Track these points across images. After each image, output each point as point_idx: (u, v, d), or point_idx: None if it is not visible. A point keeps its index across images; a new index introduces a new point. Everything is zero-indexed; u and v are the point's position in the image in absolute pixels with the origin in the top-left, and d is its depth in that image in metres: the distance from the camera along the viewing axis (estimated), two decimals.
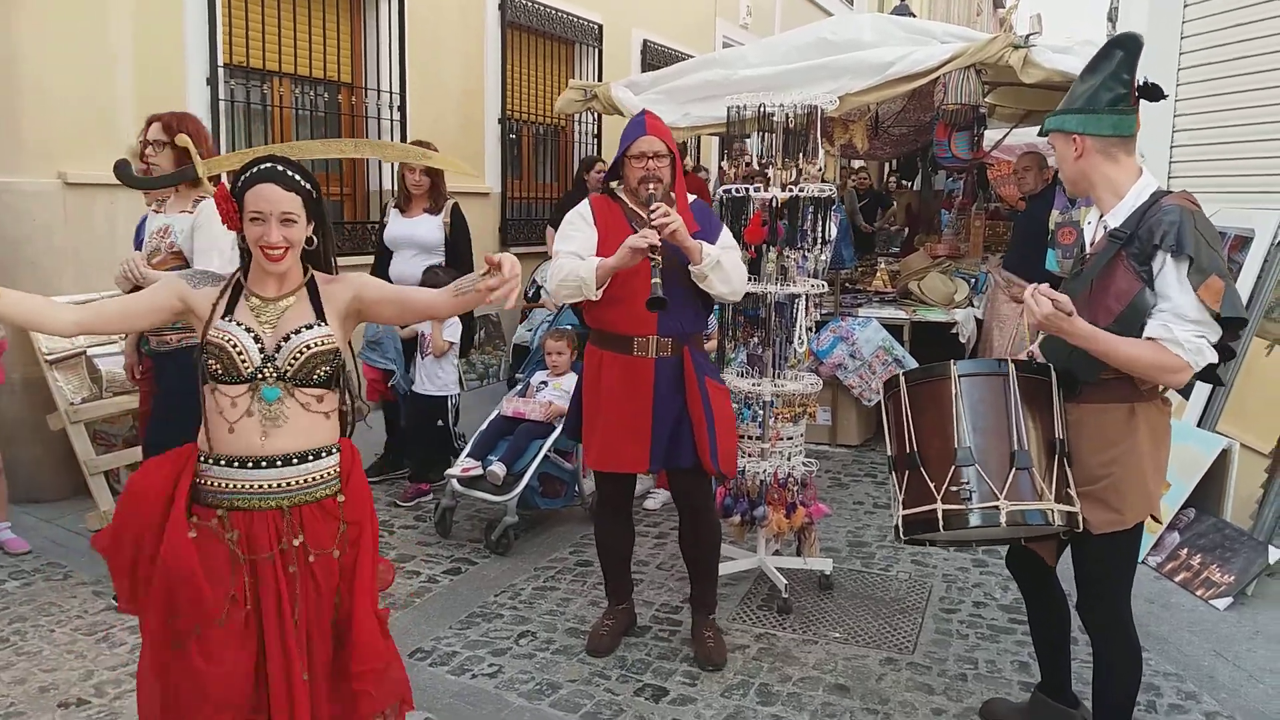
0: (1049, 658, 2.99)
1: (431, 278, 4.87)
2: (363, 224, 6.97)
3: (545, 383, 5.00)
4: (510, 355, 6.87)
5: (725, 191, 4.09)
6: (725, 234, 3.45)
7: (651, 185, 3.23)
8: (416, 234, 5.17)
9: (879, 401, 6.29)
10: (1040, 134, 2.67)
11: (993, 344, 6.45)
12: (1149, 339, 2.42)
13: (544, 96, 8.94)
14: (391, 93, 7.05)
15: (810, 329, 4.07)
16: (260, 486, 2.20)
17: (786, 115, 4.00)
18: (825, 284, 4.11)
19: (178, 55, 5.58)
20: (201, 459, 2.23)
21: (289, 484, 2.22)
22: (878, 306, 6.70)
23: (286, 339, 2.21)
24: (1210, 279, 2.37)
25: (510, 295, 2.21)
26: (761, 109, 4.04)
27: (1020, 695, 3.28)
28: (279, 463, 2.20)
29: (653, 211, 3.08)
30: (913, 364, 6.18)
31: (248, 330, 2.21)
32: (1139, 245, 2.45)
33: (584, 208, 3.46)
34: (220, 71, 5.78)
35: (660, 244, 3.05)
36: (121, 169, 2.66)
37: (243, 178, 2.22)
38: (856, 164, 9.66)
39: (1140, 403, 2.55)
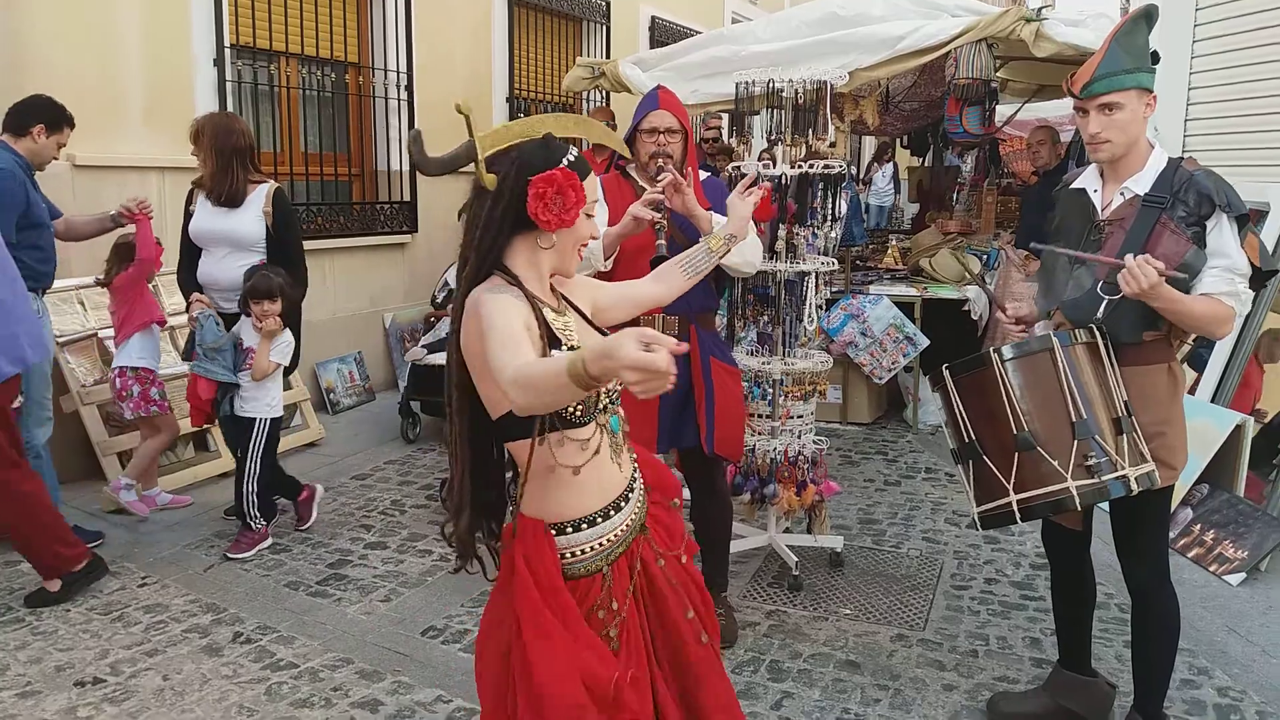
0: (1075, 633, 3.00)
1: (264, 283, 4.08)
2: (372, 204, 6.96)
3: None
4: (407, 377, 6.03)
5: (735, 168, 4.07)
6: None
7: (662, 160, 3.20)
8: (231, 227, 4.20)
9: (890, 379, 6.31)
10: (1101, 91, 2.56)
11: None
12: (1208, 295, 2.51)
13: (552, 75, 8.90)
14: (399, 72, 7.02)
15: (820, 306, 4.05)
16: (631, 523, 1.96)
17: (796, 91, 3.96)
18: (835, 261, 4.08)
19: (184, 36, 5.56)
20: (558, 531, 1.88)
21: (641, 507, 2.02)
22: (889, 284, 6.67)
23: None
24: (1249, 236, 2.54)
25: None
26: (770, 85, 4.00)
27: (1031, 671, 3.28)
28: (633, 491, 1.97)
29: (659, 180, 3.06)
30: (924, 342, 6.17)
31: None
32: (1186, 208, 2.53)
33: (594, 187, 3.43)
34: (227, 52, 5.76)
35: (666, 207, 3.02)
36: (415, 141, 2.31)
37: (565, 162, 1.85)
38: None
39: (1173, 363, 2.67)
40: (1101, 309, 2.59)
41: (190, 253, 4.28)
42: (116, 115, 5.15)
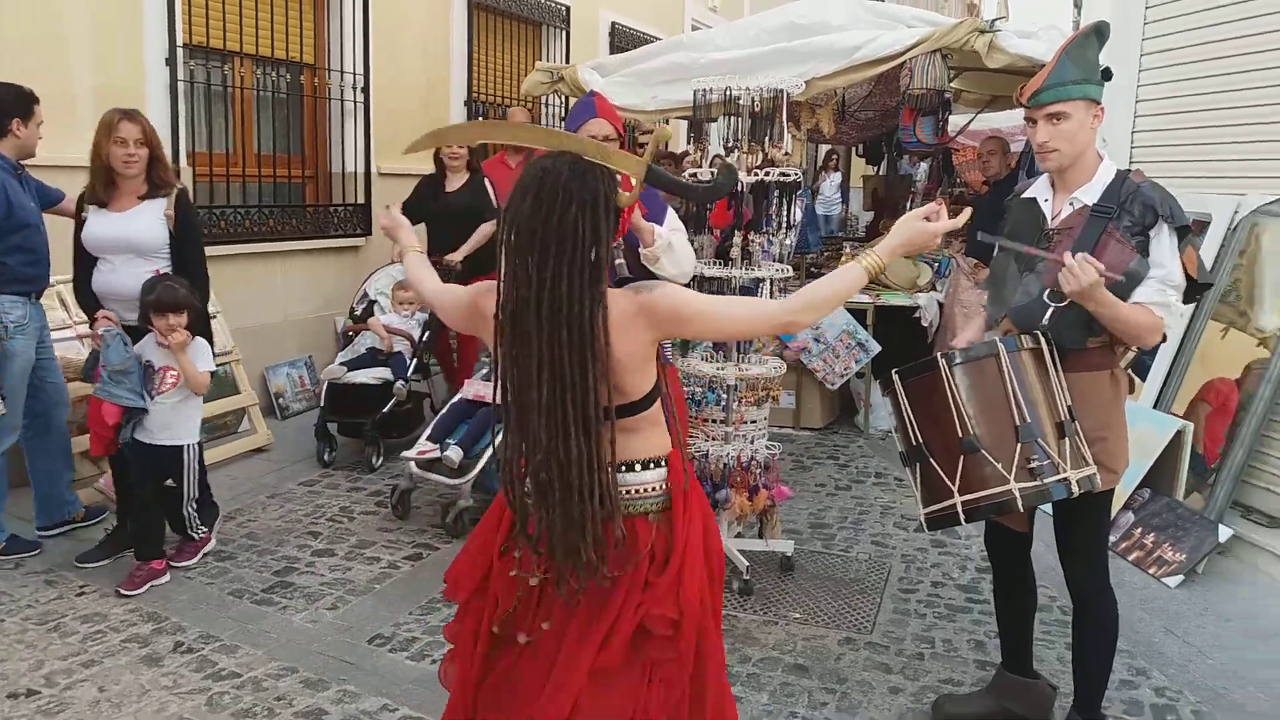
0: (1016, 636, 3.05)
1: (169, 295, 3.80)
2: (326, 207, 6.89)
3: None
4: (324, 397, 5.57)
5: (692, 175, 4.08)
6: (671, 216, 3.44)
7: None
8: (130, 233, 3.90)
9: (842, 384, 6.36)
10: (1048, 101, 2.61)
11: (955, 328, 6.50)
12: (1139, 304, 2.57)
13: (511, 78, 8.87)
14: (355, 74, 6.96)
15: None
16: None
17: (753, 99, 3.99)
18: (790, 268, 4.12)
19: (136, 35, 5.48)
20: None
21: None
22: None
23: None
24: (1187, 250, 2.59)
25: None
26: (728, 93, 4.03)
27: (975, 673, 3.32)
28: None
29: None
30: (876, 348, 6.23)
31: None
32: (1131, 218, 2.59)
33: None
34: (179, 52, 5.67)
35: None
36: (730, 172, 2.43)
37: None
38: None
39: (1115, 369, 2.72)
40: (1047, 316, 2.63)
41: (85, 263, 3.97)
42: (66, 115, 5.05)
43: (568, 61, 9.00)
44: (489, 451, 4.51)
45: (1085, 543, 2.76)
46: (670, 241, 3.23)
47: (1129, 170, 2.73)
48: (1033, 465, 2.51)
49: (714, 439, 4.04)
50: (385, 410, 5.43)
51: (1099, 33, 2.71)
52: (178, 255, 3.98)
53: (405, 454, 4.68)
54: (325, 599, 3.84)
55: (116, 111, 3.90)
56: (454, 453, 4.50)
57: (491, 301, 1.99)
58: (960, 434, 2.56)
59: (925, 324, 6.56)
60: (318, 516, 4.74)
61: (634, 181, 2.10)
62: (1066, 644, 3.46)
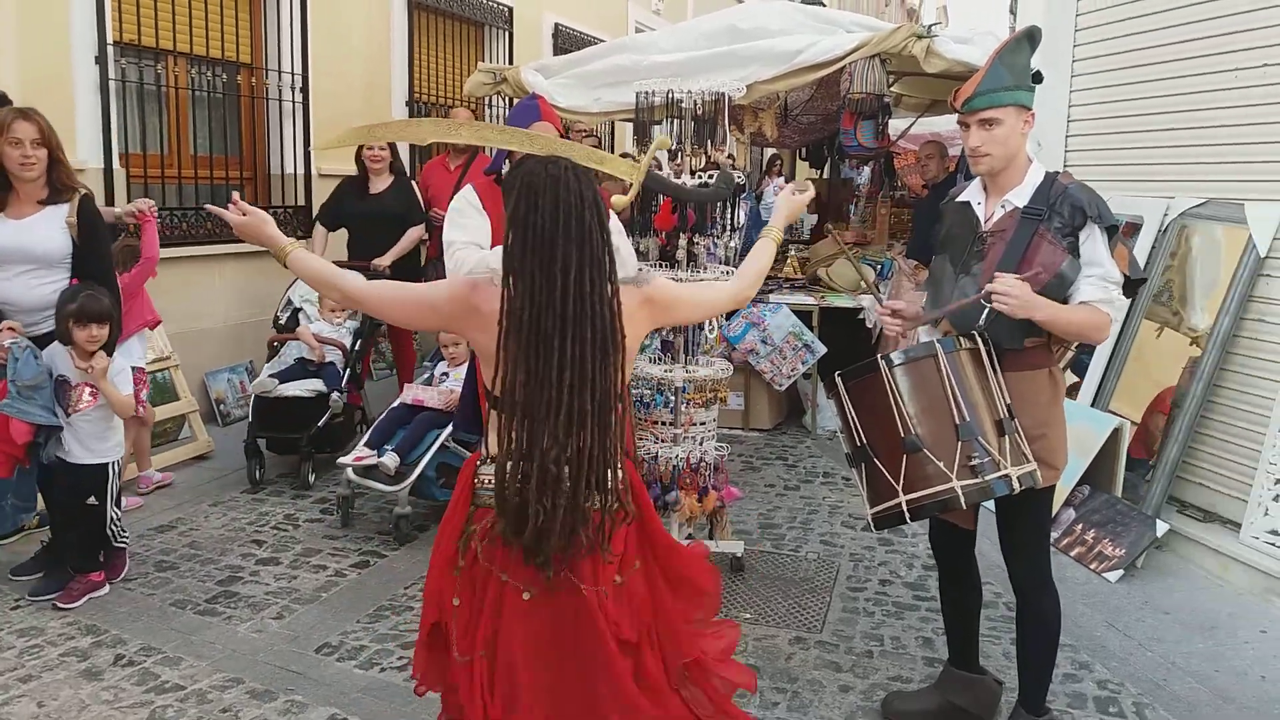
0: (962, 632, 3.10)
1: (94, 304, 3.60)
2: (265, 209, 6.71)
3: (448, 374, 4.93)
4: (253, 412, 5.25)
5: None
6: (612, 218, 3.43)
7: None
8: (29, 242, 3.66)
9: (790, 385, 6.41)
10: (981, 106, 2.66)
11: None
12: (1084, 303, 2.63)
13: (453, 79, 8.80)
14: (294, 74, 6.84)
15: (721, 315, 4.09)
16: None
17: (695, 102, 4.00)
18: (735, 271, 4.13)
19: (63, 31, 5.31)
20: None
21: None
22: (788, 293, 6.79)
23: None
24: (1119, 247, 2.65)
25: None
26: (670, 96, 4.04)
27: (924, 670, 3.37)
28: None
29: None
30: (821, 349, 6.29)
31: None
32: (1061, 219, 2.64)
33: (470, 195, 3.41)
34: (110, 50, 5.52)
35: None
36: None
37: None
38: None
39: (1053, 368, 2.77)
40: (983, 317, 2.68)
41: None
42: None
43: (511, 63, 8.96)
44: (427, 457, 4.47)
45: (1027, 539, 2.81)
46: (616, 245, 3.23)
47: (1058, 172, 2.79)
48: (974, 463, 2.55)
49: (663, 441, 4.04)
50: (320, 424, 5.18)
51: (1030, 38, 2.77)
52: (81, 267, 3.72)
53: (341, 459, 4.61)
54: (271, 608, 3.76)
55: (11, 110, 3.68)
56: (390, 459, 4.45)
57: (493, 299, 1.98)
58: (902, 434, 2.59)
59: (870, 325, 6.64)
60: (262, 525, 4.65)
61: (631, 186, 2.18)
62: (1012, 639, 3.51)
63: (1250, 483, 4.18)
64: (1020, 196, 2.72)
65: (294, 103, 6.87)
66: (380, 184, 5.92)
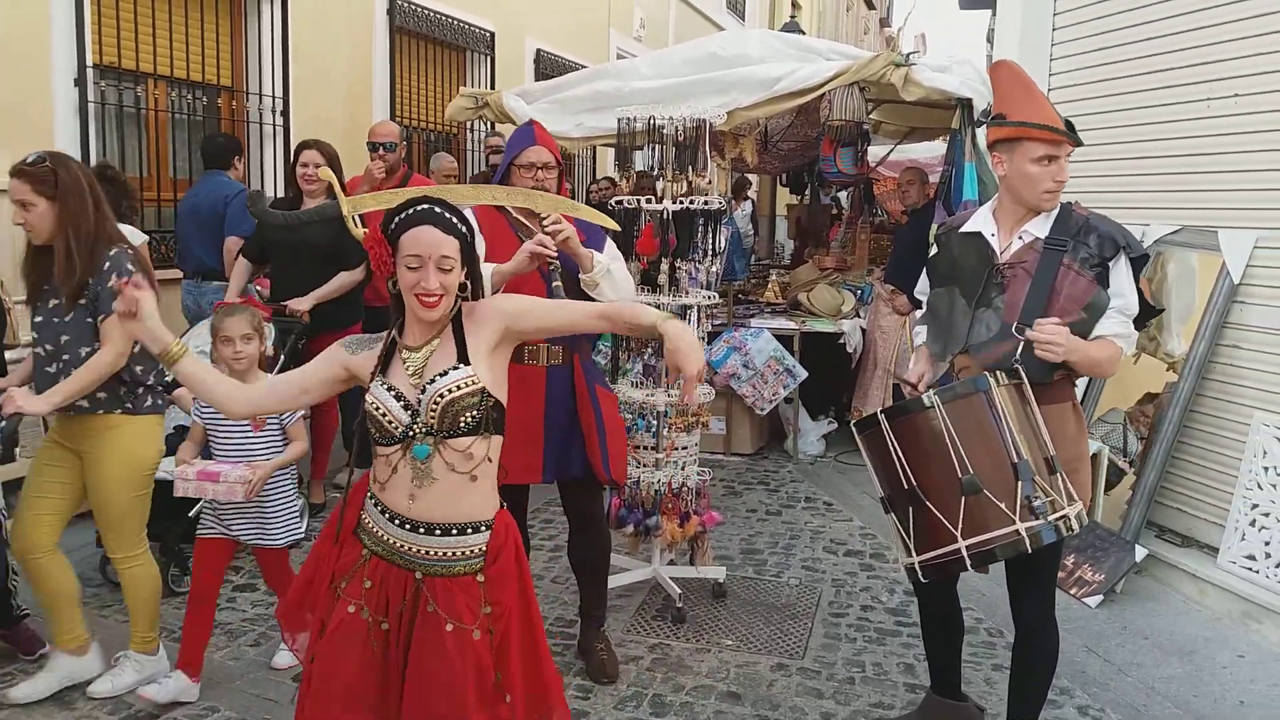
0: (944, 660, 3.07)
1: None
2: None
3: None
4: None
5: (617, 203, 4.10)
6: (610, 244, 3.46)
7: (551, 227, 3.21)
8: None
9: (771, 410, 6.42)
10: (1077, 140, 2.65)
11: (877, 354, 6.63)
12: (1101, 337, 2.58)
13: (435, 103, 8.82)
14: (275, 97, 6.84)
15: (704, 339, 4.10)
16: (401, 546, 2.12)
17: (676, 128, 4.03)
18: (717, 295, 4.15)
19: (43, 53, 5.28)
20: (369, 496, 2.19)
21: (427, 553, 2.10)
22: (769, 317, 6.81)
23: (424, 390, 2.07)
24: (1143, 279, 2.64)
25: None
26: (652, 122, 4.06)
27: (905, 696, 3.36)
28: (421, 530, 2.10)
29: (545, 220, 3.09)
30: (802, 374, 6.30)
31: (390, 390, 2.08)
32: (1088, 250, 2.59)
33: (468, 216, 3.40)
34: (89, 72, 5.50)
35: (556, 251, 3.06)
36: (255, 203, 2.41)
37: (398, 219, 2.08)
38: None
39: (1075, 401, 2.74)
40: (1019, 350, 2.58)
41: None
42: None
43: (493, 87, 8.98)
44: None
45: (1045, 577, 2.76)
46: (609, 268, 3.24)
47: (1071, 203, 2.73)
48: (1035, 504, 2.41)
49: (645, 466, 4.03)
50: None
51: None
52: None
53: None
54: (248, 635, 3.72)
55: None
56: None
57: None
58: (960, 474, 2.43)
59: (850, 350, 6.67)
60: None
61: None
62: (994, 665, 3.54)
63: (1227, 507, 4.21)
64: (1040, 227, 2.67)
65: (275, 125, 6.86)
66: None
